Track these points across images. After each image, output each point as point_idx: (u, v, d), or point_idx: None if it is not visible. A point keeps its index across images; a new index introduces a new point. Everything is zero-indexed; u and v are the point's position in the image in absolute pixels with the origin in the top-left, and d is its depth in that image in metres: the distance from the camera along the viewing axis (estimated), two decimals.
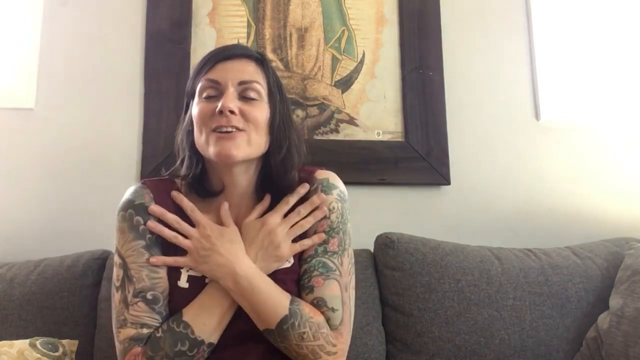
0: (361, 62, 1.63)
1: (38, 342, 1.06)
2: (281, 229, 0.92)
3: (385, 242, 1.35)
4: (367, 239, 1.39)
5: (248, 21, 1.62)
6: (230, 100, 0.89)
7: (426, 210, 1.57)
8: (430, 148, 1.58)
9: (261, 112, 0.92)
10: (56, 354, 1.06)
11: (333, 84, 1.61)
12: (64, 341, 1.11)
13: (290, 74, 1.60)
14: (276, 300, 0.87)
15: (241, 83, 0.92)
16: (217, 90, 0.92)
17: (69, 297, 1.23)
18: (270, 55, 1.60)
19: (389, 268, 1.32)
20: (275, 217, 0.93)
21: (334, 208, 0.95)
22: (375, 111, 1.61)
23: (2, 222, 1.47)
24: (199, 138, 0.92)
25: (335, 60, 1.63)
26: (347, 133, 1.59)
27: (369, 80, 1.62)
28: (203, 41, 1.60)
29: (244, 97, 0.92)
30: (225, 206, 0.94)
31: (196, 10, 1.62)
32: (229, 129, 0.89)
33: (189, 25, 1.60)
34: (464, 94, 1.64)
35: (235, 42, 1.60)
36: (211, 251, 0.89)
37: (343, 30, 1.64)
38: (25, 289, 1.22)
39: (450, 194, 1.59)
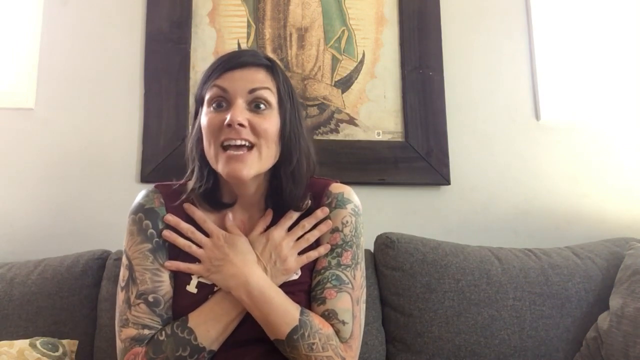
0: (361, 62, 1.63)
1: (38, 342, 1.06)
2: (286, 243, 0.92)
3: (385, 242, 1.34)
4: (367, 239, 1.38)
5: (248, 21, 1.62)
6: (239, 113, 0.87)
7: (426, 210, 1.57)
8: (430, 148, 1.58)
9: (271, 123, 0.90)
10: (56, 354, 1.06)
11: (333, 84, 1.61)
12: (64, 341, 1.11)
13: (290, 74, 1.60)
14: (287, 311, 0.86)
15: (251, 92, 0.89)
16: (225, 100, 0.90)
17: (69, 297, 1.22)
18: (270, 55, 1.59)
19: (389, 268, 1.32)
20: (279, 231, 0.93)
21: (347, 222, 0.95)
22: (375, 111, 1.61)
23: (2, 222, 1.47)
24: (209, 150, 0.91)
25: (335, 60, 1.63)
26: (347, 133, 1.59)
27: (369, 80, 1.62)
28: (203, 41, 1.60)
29: (253, 108, 0.90)
30: (229, 216, 0.94)
31: (196, 10, 1.61)
32: (239, 142, 0.87)
33: (189, 25, 1.60)
34: (464, 94, 1.64)
35: (235, 42, 1.60)
36: (224, 261, 0.89)
37: (343, 30, 1.64)
38: (25, 289, 1.22)
39: (450, 194, 1.59)
